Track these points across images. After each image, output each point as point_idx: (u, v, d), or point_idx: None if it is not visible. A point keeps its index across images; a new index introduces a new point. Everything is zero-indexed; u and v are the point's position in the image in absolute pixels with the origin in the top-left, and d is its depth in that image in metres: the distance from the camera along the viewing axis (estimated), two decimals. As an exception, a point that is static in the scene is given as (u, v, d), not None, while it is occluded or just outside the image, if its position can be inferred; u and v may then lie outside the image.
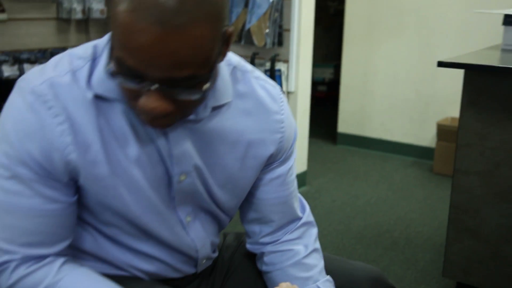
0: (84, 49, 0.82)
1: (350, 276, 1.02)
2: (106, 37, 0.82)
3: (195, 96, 0.72)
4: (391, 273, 2.24)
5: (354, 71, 4.04)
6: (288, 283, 0.89)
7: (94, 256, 0.92)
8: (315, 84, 4.88)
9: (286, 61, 3.04)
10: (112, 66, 0.72)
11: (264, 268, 1.04)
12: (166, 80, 0.70)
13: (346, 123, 4.17)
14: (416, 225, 2.76)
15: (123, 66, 0.70)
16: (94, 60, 0.81)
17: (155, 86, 0.70)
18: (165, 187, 0.88)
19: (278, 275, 1.01)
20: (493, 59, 2.00)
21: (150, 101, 0.71)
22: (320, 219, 2.78)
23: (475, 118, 1.83)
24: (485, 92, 1.80)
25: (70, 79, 0.78)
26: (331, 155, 3.99)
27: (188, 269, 1.00)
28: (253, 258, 1.10)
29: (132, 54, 0.68)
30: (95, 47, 0.82)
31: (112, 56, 0.72)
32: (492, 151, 1.82)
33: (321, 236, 2.56)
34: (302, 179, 3.21)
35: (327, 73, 5.45)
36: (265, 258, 1.03)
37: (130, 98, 0.75)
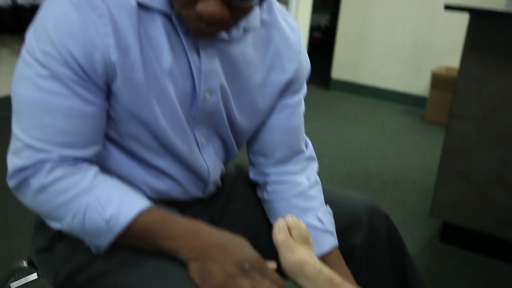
0: None
1: (347, 205, 1.06)
2: None
3: (248, 3, 0.76)
4: (380, 212, 2.32)
5: (352, 17, 4.01)
6: (293, 216, 0.91)
7: (106, 169, 0.94)
8: (310, 30, 4.84)
9: (286, 2, 3.01)
10: None
11: (266, 197, 1.07)
12: None
13: (340, 70, 4.17)
14: (405, 169, 2.83)
15: None
16: None
17: None
18: (189, 104, 0.90)
19: (280, 204, 1.04)
20: (499, 5, 2.00)
21: (210, 6, 0.74)
22: (312, 160, 2.82)
23: (475, 64, 1.85)
24: (488, 38, 1.82)
25: None
26: (323, 100, 4.02)
27: (196, 192, 1.03)
28: (253, 187, 1.13)
29: None
30: None
31: None
32: (489, 97, 1.86)
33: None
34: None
35: (323, 20, 5.40)
36: (268, 188, 1.06)
37: (187, 4, 0.76)
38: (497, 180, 1.90)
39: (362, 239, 1.04)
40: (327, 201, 1.07)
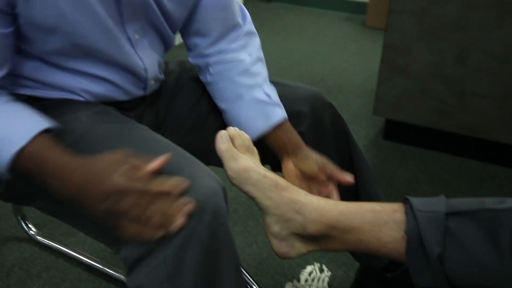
0: None
1: (291, 94, 1.06)
2: None
3: None
4: (325, 116, 2.34)
5: None
6: (236, 128, 0.90)
7: (39, 82, 0.90)
8: None
9: None
10: None
11: (209, 79, 1.04)
12: None
13: (281, -21, 4.07)
14: (348, 74, 2.85)
15: None
16: None
17: None
18: (113, 2, 0.85)
19: (225, 84, 1.02)
20: None
21: None
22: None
23: (412, -46, 1.82)
24: None
25: None
26: (265, 13, 3.93)
27: (137, 91, 1.00)
28: (196, 80, 1.10)
29: None
30: None
31: None
32: (426, -12, 1.85)
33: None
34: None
35: None
36: (211, 69, 1.04)
37: None
38: (435, 73, 1.93)
39: (307, 127, 1.04)
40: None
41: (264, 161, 0.94)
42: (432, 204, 0.77)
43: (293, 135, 1.00)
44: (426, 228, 0.74)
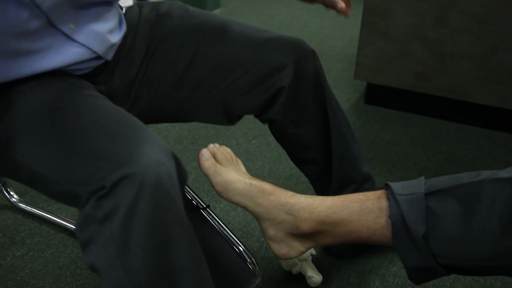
0: None
1: (276, 46, 1.07)
2: None
3: None
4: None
5: None
6: (215, 144, 0.95)
7: None
8: None
9: None
10: None
11: None
12: None
13: None
14: (329, 39, 2.84)
15: None
16: None
17: None
18: (28, 6, 0.81)
19: None
20: None
21: None
22: (236, 37, 2.76)
23: None
24: None
25: None
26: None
27: (95, 63, 0.96)
28: (173, 29, 1.07)
29: None
30: None
31: None
32: (406, -51, 1.83)
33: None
34: (216, 1, 3.13)
35: None
36: None
37: None
38: (415, 34, 1.93)
39: (290, 80, 1.05)
40: (257, 42, 1.06)
41: None
42: (412, 187, 0.80)
43: None
44: (408, 210, 0.77)
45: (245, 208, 0.88)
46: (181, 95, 1.06)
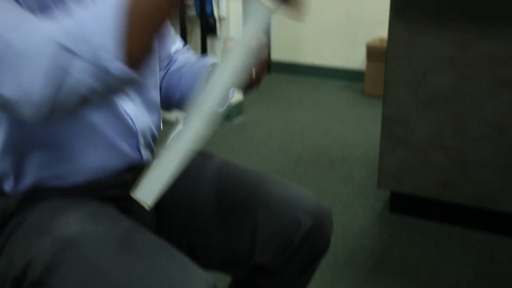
0: None
1: (294, 200, 1.01)
2: None
3: None
4: (330, 190, 2.31)
5: (284, -3, 3.99)
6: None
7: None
8: (245, 14, 4.80)
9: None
10: None
11: (165, 83, 1.10)
12: None
13: (279, 51, 4.16)
14: (351, 144, 2.84)
15: None
16: None
17: None
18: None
19: (184, 79, 1.07)
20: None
21: None
22: (259, 146, 2.80)
23: (403, 29, 1.85)
24: (412, 2, 1.82)
25: None
26: (265, 83, 3.99)
27: (131, 151, 0.95)
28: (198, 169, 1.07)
29: None
30: None
31: None
32: (419, 61, 1.86)
33: (261, 162, 2.59)
34: (239, 109, 3.20)
35: (257, 3, 5.37)
36: (163, 84, 1.10)
37: None
38: (435, 143, 1.91)
39: (295, 240, 0.99)
40: (273, 199, 1.00)
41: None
42: None
43: None
44: None
45: None
46: (193, 240, 1.05)
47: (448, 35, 1.79)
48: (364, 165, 2.56)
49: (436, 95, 1.87)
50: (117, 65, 0.63)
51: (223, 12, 2.97)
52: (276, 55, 4.17)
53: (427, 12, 1.80)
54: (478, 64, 1.77)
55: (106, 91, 0.66)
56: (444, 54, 1.81)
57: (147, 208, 0.75)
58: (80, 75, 0.63)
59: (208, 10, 2.96)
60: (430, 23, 1.81)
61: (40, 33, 0.64)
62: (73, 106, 0.67)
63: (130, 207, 0.98)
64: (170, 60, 1.13)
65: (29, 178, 0.87)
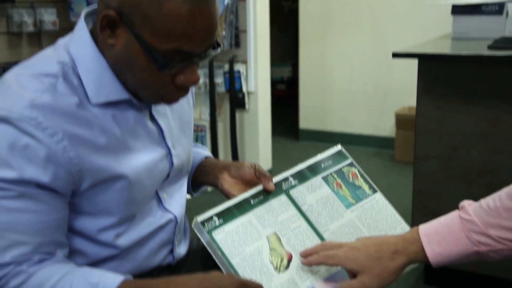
0: (48, 66, 0.84)
1: None
2: (60, 52, 0.86)
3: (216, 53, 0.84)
4: (362, 261, 2.30)
5: (312, 68, 4.10)
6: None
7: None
8: (274, 83, 4.92)
9: (245, 62, 3.07)
10: (159, 62, 0.78)
11: None
12: (206, 49, 0.80)
13: (307, 119, 4.23)
14: (382, 213, 2.83)
15: (178, 54, 0.78)
16: (64, 75, 0.84)
17: (204, 57, 0.81)
18: (164, 170, 0.97)
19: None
20: (444, 47, 2.08)
21: (194, 74, 0.81)
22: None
23: (431, 105, 1.90)
24: (439, 79, 1.87)
25: (51, 97, 0.80)
26: (294, 151, 4.05)
27: (164, 256, 1.02)
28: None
29: (192, 38, 0.76)
30: (62, 63, 0.85)
31: (152, 53, 0.77)
32: (449, 136, 1.90)
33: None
34: (268, 177, 3.24)
35: (285, 72, 5.50)
36: None
37: (166, 83, 0.81)
38: (470, 216, 1.91)
39: None
40: None
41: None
42: None
43: (221, 161, 1.13)
44: None
45: None
46: None
47: (477, 111, 1.83)
48: (397, 235, 2.54)
49: (468, 169, 1.88)
50: None
51: (251, 87, 3.09)
52: (305, 123, 4.25)
53: (455, 89, 1.85)
54: (510, 138, 1.80)
55: None
56: (474, 129, 1.85)
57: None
58: None
59: (236, 86, 3.08)
60: (459, 99, 1.85)
61: None
62: None
63: None
64: None
65: None
